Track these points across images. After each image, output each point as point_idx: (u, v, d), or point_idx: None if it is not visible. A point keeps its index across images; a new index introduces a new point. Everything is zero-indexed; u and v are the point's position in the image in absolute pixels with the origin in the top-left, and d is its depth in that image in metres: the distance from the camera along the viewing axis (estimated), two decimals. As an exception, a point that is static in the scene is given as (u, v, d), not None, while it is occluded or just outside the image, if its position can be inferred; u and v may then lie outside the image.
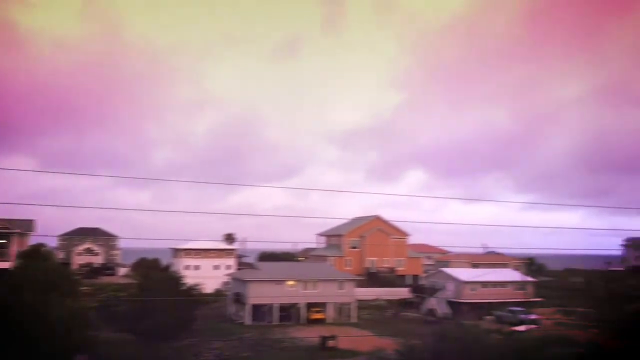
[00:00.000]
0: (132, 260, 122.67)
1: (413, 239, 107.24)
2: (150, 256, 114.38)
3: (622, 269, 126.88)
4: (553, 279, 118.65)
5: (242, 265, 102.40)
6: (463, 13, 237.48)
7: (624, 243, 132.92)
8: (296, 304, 68.62)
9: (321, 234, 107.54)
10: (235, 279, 75.71)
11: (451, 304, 76.89)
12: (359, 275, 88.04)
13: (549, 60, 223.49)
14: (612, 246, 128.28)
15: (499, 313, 72.11)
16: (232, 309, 71.74)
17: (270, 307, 67.49)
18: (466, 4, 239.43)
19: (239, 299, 69.50)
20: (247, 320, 66.06)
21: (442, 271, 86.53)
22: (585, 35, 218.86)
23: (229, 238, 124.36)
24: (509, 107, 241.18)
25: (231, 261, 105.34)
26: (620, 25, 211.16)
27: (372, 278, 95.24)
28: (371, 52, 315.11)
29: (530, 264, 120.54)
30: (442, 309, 75.79)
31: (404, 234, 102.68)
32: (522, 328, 60.19)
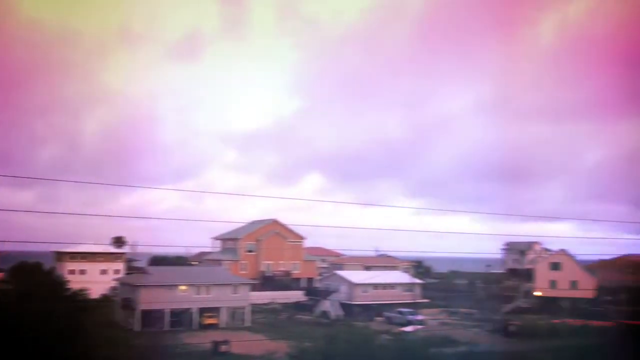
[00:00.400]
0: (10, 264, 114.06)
1: (309, 243, 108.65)
2: (32, 260, 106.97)
3: (501, 271, 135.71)
4: (439, 281, 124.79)
5: (132, 270, 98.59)
6: (362, 25, 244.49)
7: (503, 247, 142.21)
8: (189, 309, 67.19)
9: (216, 238, 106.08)
10: (124, 284, 72.86)
11: (344, 305, 78.65)
12: (254, 279, 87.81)
13: (439, 74, 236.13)
14: (493, 250, 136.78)
15: (388, 314, 74.74)
16: (121, 315, 68.92)
17: (161, 312, 65.58)
18: (365, 17, 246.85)
19: (128, 305, 66.91)
20: (137, 326, 63.76)
21: (335, 274, 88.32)
22: (472, 52, 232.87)
23: (118, 241, 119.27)
24: (402, 116, 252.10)
25: (120, 265, 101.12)
26: (502, 44, 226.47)
27: (268, 282, 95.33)
28: (272, 57, 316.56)
29: (418, 267, 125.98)
30: (335, 311, 77.32)
31: (300, 238, 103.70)
32: (409, 328, 62.71)
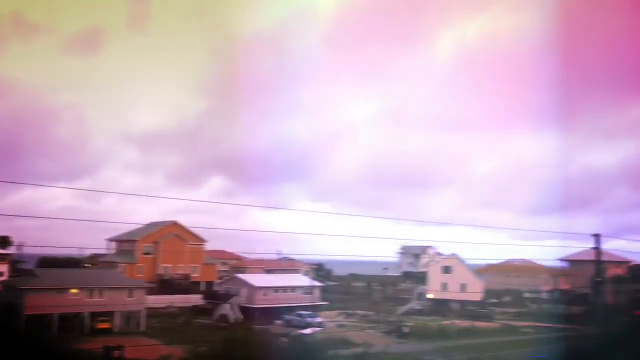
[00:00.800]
0: None
1: (211, 246, 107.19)
2: None
3: (397, 274, 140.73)
4: (338, 284, 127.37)
5: (18, 272, 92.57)
6: (272, 30, 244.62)
7: (399, 251, 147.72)
8: (80, 313, 64.19)
9: (112, 239, 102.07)
10: (8, 287, 68.38)
11: (244, 309, 78.38)
12: (150, 282, 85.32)
13: (344, 83, 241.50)
14: (390, 253, 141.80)
15: (288, 317, 75.37)
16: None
17: (50, 317, 62.15)
18: (276, 23, 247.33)
19: (13, 310, 62.81)
20: (21, 332, 59.94)
21: (236, 277, 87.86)
22: (375, 64, 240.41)
23: (4, 241, 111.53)
24: (307, 122, 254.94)
25: (4, 267, 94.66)
26: (402, 58, 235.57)
27: (165, 285, 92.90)
28: (178, 56, 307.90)
29: (319, 270, 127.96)
30: (235, 315, 76.86)
31: (201, 241, 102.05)
32: (308, 331, 63.59)
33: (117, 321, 66.38)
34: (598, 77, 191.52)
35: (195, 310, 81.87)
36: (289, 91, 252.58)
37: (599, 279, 48.76)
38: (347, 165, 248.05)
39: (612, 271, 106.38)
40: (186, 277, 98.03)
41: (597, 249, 45.32)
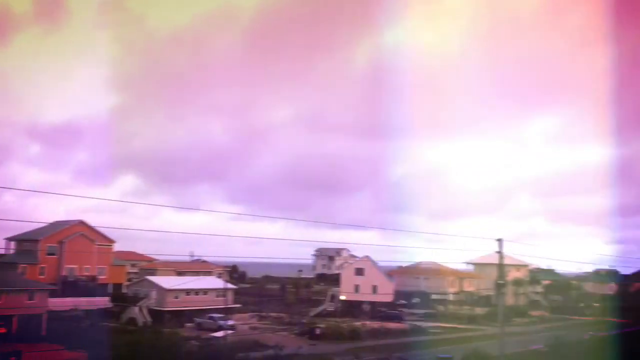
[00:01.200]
0: None
1: (121, 246, 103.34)
2: None
3: (311, 276, 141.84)
4: (252, 286, 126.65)
5: None
6: (192, 29, 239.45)
7: (314, 253, 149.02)
8: (-27, 317, 59.96)
9: (11, 239, 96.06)
10: None
11: (154, 312, 76.21)
12: (53, 284, 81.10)
13: (263, 85, 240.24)
14: (305, 255, 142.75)
15: (199, 320, 74.07)
16: None
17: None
18: (196, 21, 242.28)
19: None
20: None
21: (146, 279, 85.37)
22: (295, 68, 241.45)
23: None
24: (224, 122, 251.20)
25: None
26: (322, 63, 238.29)
27: (70, 287, 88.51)
28: (90, 48, 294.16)
29: (233, 272, 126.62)
30: (144, 318, 74.58)
31: (109, 241, 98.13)
32: (219, 334, 62.79)
33: (15, 326, 62.57)
34: (509, 89, 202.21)
35: (102, 314, 78.60)
36: (207, 90, 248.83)
37: (501, 282, 51.37)
38: (264, 167, 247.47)
39: (513, 274, 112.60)
40: (93, 278, 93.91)
41: (499, 253, 47.76)
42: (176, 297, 79.24)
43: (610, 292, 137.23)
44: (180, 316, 75.90)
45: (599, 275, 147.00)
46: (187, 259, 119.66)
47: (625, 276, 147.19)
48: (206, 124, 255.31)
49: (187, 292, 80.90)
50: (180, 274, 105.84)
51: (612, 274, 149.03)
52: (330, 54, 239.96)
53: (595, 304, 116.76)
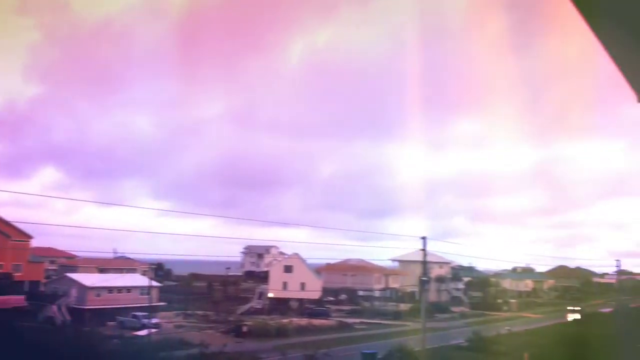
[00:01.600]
0: None
1: (40, 242, 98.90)
2: None
3: (239, 273, 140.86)
4: (178, 284, 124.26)
5: None
6: (121, 19, 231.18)
7: (243, 250, 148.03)
8: None
9: None
10: None
11: (74, 310, 73.47)
12: (-36, 282, 76.58)
13: (194, 80, 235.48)
14: (234, 253, 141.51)
15: (122, 318, 72.08)
16: None
17: None
18: (126, 12, 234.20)
19: None
20: None
21: (66, 276, 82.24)
22: (228, 64, 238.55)
23: None
24: (152, 117, 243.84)
25: None
26: (255, 61, 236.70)
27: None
28: (8, 35, 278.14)
29: (158, 269, 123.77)
30: (63, 317, 71.73)
31: (27, 237, 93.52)
32: (143, 332, 61.31)
33: None
34: (435, 92, 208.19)
35: (17, 313, 74.90)
36: (134, 83, 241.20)
37: (425, 278, 53.00)
38: (192, 163, 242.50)
39: (436, 271, 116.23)
40: (7, 276, 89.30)
41: (423, 251, 49.24)
42: (98, 295, 76.70)
43: (527, 289, 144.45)
44: (102, 314, 73.50)
45: (516, 273, 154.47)
46: (110, 255, 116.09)
47: (541, 274, 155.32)
48: (133, 117, 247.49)
49: (110, 289, 78.46)
50: (102, 271, 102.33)
51: (528, 272, 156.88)
52: (262, 52, 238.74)
53: (512, 300, 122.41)
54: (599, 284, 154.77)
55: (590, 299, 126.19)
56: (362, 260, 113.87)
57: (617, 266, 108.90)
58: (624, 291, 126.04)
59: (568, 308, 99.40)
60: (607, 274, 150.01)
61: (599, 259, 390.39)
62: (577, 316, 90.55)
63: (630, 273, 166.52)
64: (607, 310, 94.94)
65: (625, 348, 49.27)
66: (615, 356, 44.41)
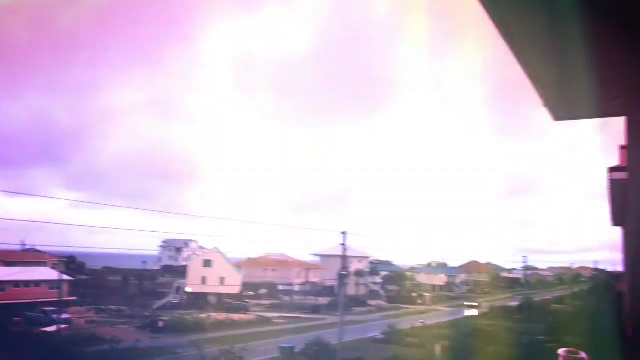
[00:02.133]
0: None
1: None
2: None
3: (157, 268, 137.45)
4: (91, 278, 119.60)
5: None
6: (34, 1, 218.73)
7: (161, 244, 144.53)
8: None
9: None
10: None
11: (-26, 306, 69.10)
12: None
13: (111, 67, 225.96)
14: (151, 247, 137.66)
15: (30, 314, 68.69)
16: None
17: None
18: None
19: None
20: None
21: (-33, 270, 77.10)
22: (148, 50, 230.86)
23: None
24: (65, 103, 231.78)
25: None
26: (179, 48, 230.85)
27: None
28: None
29: (69, 263, 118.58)
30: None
31: None
32: (52, 329, 58.69)
33: None
34: (354, 89, 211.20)
35: None
36: (48, 68, 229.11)
37: (343, 273, 53.89)
38: (109, 152, 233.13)
39: (355, 266, 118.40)
40: None
41: (343, 245, 50.06)
42: (2, 290, 72.59)
43: (441, 283, 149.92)
44: (8, 310, 69.56)
45: (431, 268, 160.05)
46: (18, 248, 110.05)
47: (454, 268, 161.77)
48: (46, 103, 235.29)
49: (16, 283, 74.47)
50: (8, 264, 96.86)
51: (442, 267, 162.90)
52: (183, 40, 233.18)
53: (426, 294, 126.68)
54: (508, 278, 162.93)
55: (499, 293, 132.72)
56: (284, 255, 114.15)
57: (524, 262, 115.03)
58: (530, 285, 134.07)
59: (465, 304, 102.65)
60: (515, 269, 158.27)
61: (508, 255, 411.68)
62: (475, 312, 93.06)
63: (536, 269, 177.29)
64: (514, 303, 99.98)
65: (524, 339, 52.65)
66: (516, 347, 47.24)
